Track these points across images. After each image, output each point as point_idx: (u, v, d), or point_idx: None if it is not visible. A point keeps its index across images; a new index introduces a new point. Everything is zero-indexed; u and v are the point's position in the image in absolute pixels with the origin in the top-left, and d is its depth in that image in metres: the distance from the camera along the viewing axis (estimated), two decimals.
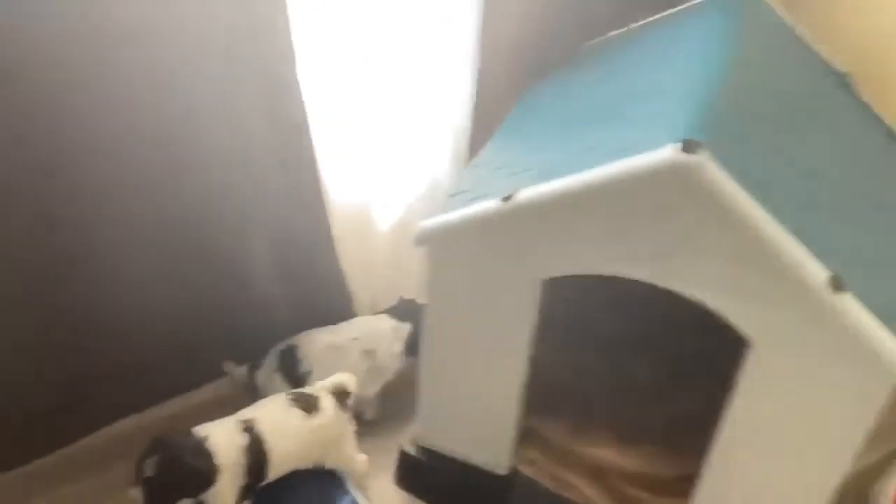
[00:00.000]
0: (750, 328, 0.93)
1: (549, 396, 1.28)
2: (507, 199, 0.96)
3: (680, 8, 1.30)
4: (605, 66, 1.24)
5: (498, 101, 1.33)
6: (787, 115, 1.07)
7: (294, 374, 1.31)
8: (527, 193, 0.95)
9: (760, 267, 0.87)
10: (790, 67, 1.19)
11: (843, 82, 1.26)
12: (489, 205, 0.97)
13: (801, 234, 0.88)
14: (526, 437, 1.23)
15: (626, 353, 1.36)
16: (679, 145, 0.84)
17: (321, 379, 1.27)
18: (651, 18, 1.33)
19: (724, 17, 1.17)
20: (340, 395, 1.21)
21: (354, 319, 1.41)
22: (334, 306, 1.37)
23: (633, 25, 1.35)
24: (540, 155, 1.04)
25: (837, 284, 0.86)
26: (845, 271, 0.90)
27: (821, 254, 0.88)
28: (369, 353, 1.34)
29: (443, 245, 1.04)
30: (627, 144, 0.92)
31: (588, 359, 1.35)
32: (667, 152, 0.85)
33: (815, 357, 0.91)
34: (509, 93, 1.35)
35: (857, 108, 1.25)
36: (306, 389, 1.22)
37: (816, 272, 0.86)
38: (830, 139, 1.11)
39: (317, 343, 1.34)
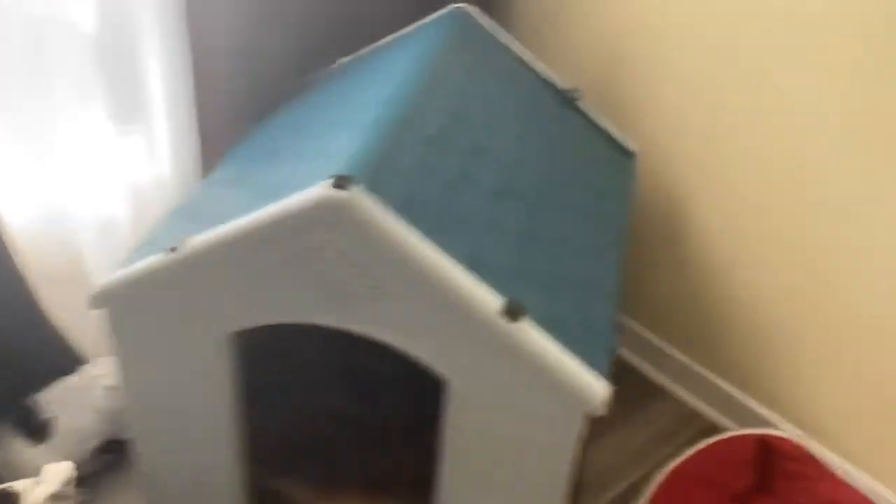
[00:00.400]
0: (441, 366, 0.88)
1: (296, 452, 1.20)
2: (173, 250, 0.88)
3: (403, 31, 1.26)
4: (315, 98, 1.19)
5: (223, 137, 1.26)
6: (491, 138, 1.04)
7: (33, 425, 1.18)
8: (194, 242, 0.87)
9: (435, 302, 0.83)
10: (504, 89, 1.16)
11: (567, 99, 1.26)
12: (157, 258, 0.89)
13: (477, 262, 0.84)
14: (270, 501, 1.14)
15: (384, 393, 1.30)
16: (330, 181, 0.79)
17: (66, 424, 1.16)
18: (376, 44, 1.29)
19: (433, 41, 1.14)
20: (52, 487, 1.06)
21: (99, 359, 1.29)
22: (56, 363, 1.24)
23: (361, 52, 1.31)
24: (222, 198, 0.97)
25: (513, 312, 0.82)
26: (532, 296, 0.87)
27: (501, 280, 0.84)
28: (112, 390, 1.23)
29: (120, 306, 0.94)
30: (294, 182, 0.86)
31: (343, 404, 1.29)
32: (317, 190, 0.79)
33: (508, 390, 0.87)
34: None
35: (580, 124, 1.25)
36: (10, 486, 1.06)
37: (488, 301, 0.82)
38: (539, 158, 1.09)
39: (54, 390, 1.22)
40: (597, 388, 0.84)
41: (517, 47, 1.25)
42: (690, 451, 1.32)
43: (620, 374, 1.58)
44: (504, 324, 0.82)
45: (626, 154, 1.29)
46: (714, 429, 1.45)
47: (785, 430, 1.36)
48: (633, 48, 1.35)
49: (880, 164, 1.10)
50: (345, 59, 1.32)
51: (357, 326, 0.87)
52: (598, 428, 1.48)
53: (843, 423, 1.28)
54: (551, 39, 1.48)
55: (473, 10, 1.23)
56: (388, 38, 1.28)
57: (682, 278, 1.44)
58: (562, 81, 1.28)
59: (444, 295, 0.81)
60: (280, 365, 1.31)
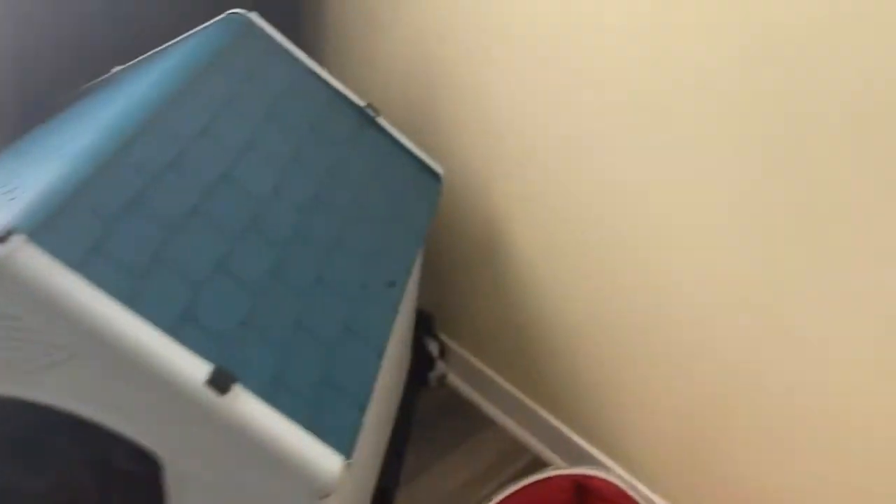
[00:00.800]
0: (149, 443, 0.76)
1: None
2: None
3: (178, 39, 1.13)
4: (65, 115, 1.04)
5: None
6: (249, 164, 0.92)
7: None
8: None
9: (127, 372, 0.70)
10: (282, 106, 1.04)
11: (364, 116, 1.15)
12: None
13: (189, 320, 0.72)
14: None
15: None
16: None
17: None
18: (152, 52, 1.15)
19: (198, 51, 1.01)
20: None
21: None
22: None
23: (136, 60, 1.16)
24: None
25: (222, 381, 0.71)
26: (261, 356, 0.75)
27: (218, 342, 0.73)
28: None
29: None
30: None
31: (119, 458, 1.15)
32: None
33: (229, 470, 0.75)
34: None
35: (379, 144, 1.14)
36: None
37: (192, 371, 0.70)
38: (313, 184, 0.97)
39: None
40: (326, 463, 0.73)
41: (308, 60, 1.13)
42: (506, 493, 1.24)
43: (450, 404, 1.49)
44: (211, 396, 0.71)
45: (431, 175, 1.19)
46: (541, 463, 1.37)
47: (607, 466, 1.29)
48: (451, 65, 1.26)
49: (693, 186, 1.03)
50: (119, 68, 1.17)
51: (42, 397, 0.74)
52: (420, 462, 1.41)
53: (659, 459, 1.22)
54: (364, 57, 1.37)
55: (255, 17, 1.11)
56: (165, 45, 1.14)
57: (504, 305, 1.35)
58: (361, 97, 1.17)
59: (135, 365, 0.69)
60: (50, 415, 1.16)
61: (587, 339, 1.25)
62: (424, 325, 1.47)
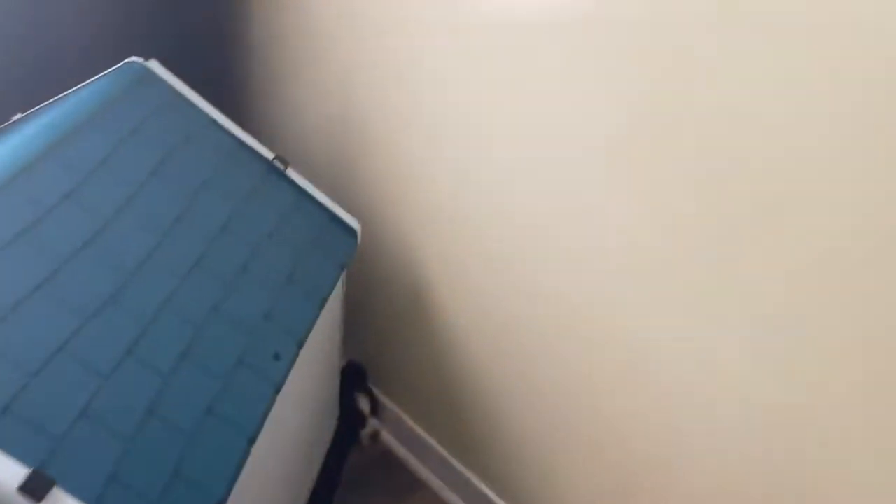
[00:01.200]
0: None
1: None
2: None
3: (77, 87, 1.07)
4: None
5: None
6: (121, 227, 0.86)
7: None
8: None
9: None
10: (177, 160, 0.98)
11: (272, 168, 1.09)
12: None
13: (9, 414, 0.66)
14: None
15: None
16: None
17: None
18: (51, 100, 1.10)
19: (87, 102, 0.95)
20: None
21: None
22: None
23: (37, 108, 1.11)
24: None
25: (38, 487, 0.64)
26: (98, 449, 0.69)
27: (43, 438, 0.66)
28: None
29: None
30: None
31: None
32: None
33: None
34: None
35: (287, 197, 1.08)
36: None
37: (4, 478, 0.63)
38: (199, 246, 0.91)
39: None
40: None
41: (211, 110, 1.07)
42: None
43: (382, 463, 1.42)
44: None
45: (346, 230, 1.13)
46: None
47: None
48: (379, 118, 1.20)
49: (631, 249, 0.96)
50: (19, 116, 1.12)
51: None
52: None
53: None
54: (289, 108, 1.31)
55: (154, 65, 1.05)
56: (63, 94, 1.09)
57: (434, 364, 1.28)
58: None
59: None
60: None
61: (517, 403, 1.17)
62: (356, 379, 1.41)
